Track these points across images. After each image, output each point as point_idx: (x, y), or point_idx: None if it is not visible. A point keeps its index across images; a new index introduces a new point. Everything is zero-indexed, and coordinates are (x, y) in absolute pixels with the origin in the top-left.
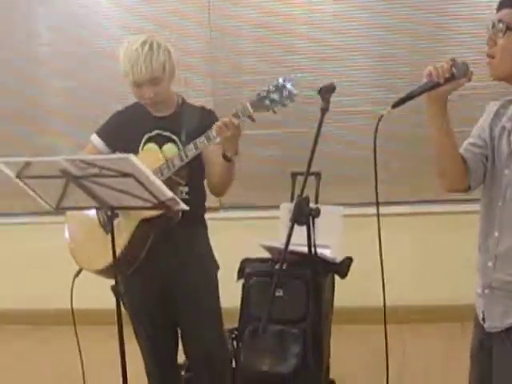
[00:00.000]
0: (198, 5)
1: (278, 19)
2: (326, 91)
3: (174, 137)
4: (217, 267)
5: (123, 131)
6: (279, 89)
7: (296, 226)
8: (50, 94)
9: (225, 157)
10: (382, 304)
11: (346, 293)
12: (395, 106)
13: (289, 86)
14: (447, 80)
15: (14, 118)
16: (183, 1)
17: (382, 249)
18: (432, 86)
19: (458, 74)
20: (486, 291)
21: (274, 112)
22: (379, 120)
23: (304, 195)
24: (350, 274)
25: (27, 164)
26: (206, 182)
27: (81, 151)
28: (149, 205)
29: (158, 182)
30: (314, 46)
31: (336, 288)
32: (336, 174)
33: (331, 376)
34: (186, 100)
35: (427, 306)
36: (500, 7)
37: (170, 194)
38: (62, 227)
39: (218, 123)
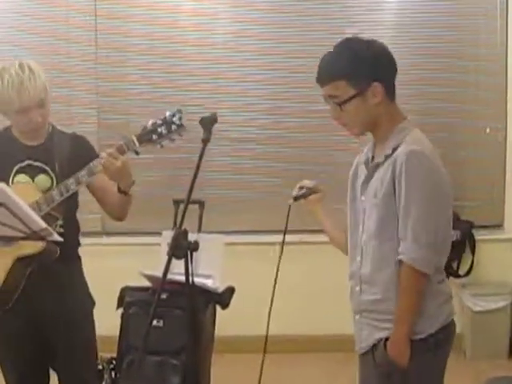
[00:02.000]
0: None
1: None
2: (208, 122)
3: (47, 167)
4: (92, 303)
5: None
6: (167, 123)
7: None
8: None
9: (120, 190)
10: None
11: (229, 322)
12: (296, 199)
13: (177, 120)
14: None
15: None
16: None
17: (277, 277)
18: (306, 192)
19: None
20: (357, 317)
21: (161, 146)
22: (289, 210)
23: (186, 223)
24: (232, 302)
25: None
26: (99, 209)
27: None
28: (21, 235)
29: (31, 212)
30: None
31: (221, 316)
32: (222, 202)
33: None
34: (56, 126)
35: (311, 335)
36: (321, 83)
37: (43, 224)
38: None
39: (103, 156)
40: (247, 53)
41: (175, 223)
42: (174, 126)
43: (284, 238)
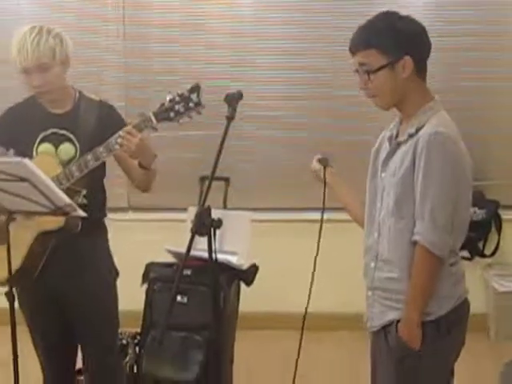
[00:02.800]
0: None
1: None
2: (233, 99)
3: (71, 135)
4: (116, 273)
5: (15, 130)
6: (184, 99)
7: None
8: None
9: (141, 166)
10: (286, 310)
11: (252, 299)
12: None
13: (194, 97)
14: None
15: None
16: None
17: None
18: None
19: (325, 163)
20: (369, 293)
21: (179, 123)
22: (324, 173)
23: (212, 200)
24: (257, 279)
25: None
26: (125, 184)
27: None
28: (46, 210)
29: (55, 188)
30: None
31: (244, 293)
32: (247, 179)
33: (235, 382)
34: (84, 93)
35: (338, 313)
36: (353, 51)
37: (67, 199)
38: None
39: (121, 135)
40: (269, 40)
41: (201, 200)
42: (191, 104)
43: (324, 206)
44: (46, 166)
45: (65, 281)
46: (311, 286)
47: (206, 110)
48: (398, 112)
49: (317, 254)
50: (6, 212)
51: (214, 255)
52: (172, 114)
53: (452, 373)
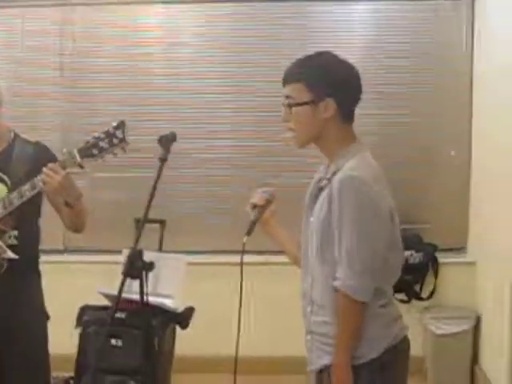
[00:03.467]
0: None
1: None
2: (166, 140)
3: (4, 176)
4: (46, 317)
5: None
6: (109, 136)
7: None
8: None
9: (67, 204)
10: (227, 353)
11: (192, 342)
12: (249, 232)
13: (119, 133)
14: (267, 202)
15: None
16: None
17: (241, 298)
18: (259, 211)
19: (269, 196)
20: (308, 337)
21: (104, 160)
22: (243, 247)
23: (149, 242)
24: (195, 323)
25: None
26: (60, 225)
27: None
28: None
29: None
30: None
31: (179, 336)
32: (184, 222)
33: None
34: (18, 134)
35: (275, 357)
36: (284, 83)
37: None
38: None
39: (44, 171)
40: (208, 79)
41: (136, 242)
42: (115, 140)
43: (242, 276)
44: None
45: None
46: (239, 330)
47: (143, 151)
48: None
49: (240, 298)
50: None
51: (145, 298)
52: (95, 151)
53: None
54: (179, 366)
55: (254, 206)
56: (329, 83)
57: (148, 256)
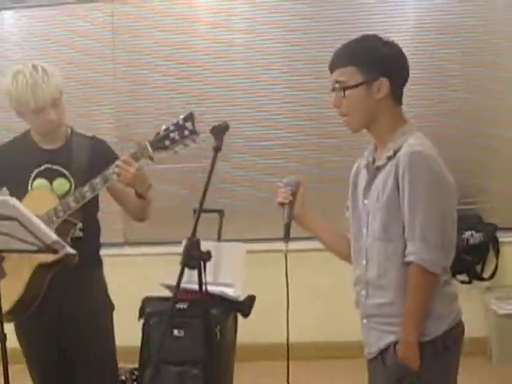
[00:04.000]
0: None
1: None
2: (219, 130)
3: (65, 171)
4: (111, 307)
5: (7, 165)
6: (179, 128)
7: None
8: None
9: (137, 195)
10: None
11: (251, 330)
12: (287, 238)
13: (189, 125)
14: (293, 196)
15: None
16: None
17: (288, 286)
18: (290, 208)
19: (293, 188)
20: (364, 321)
21: (176, 152)
22: (286, 256)
23: (208, 232)
24: (255, 310)
25: None
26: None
27: None
28: (34, 248)
29: (42, 225)
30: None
31: (241, 325)
32: (242, 210)
33: None
34: (75, 130)
35: (329, 342)
36: (332, 68)
37: (54, 237)
38: None
39: (118, 164)
40: (260, 63)
41: (193, 232)
42: (186, 132)
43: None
44: (42, 199)
45: (64, 310)
46: (288, 316)
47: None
48: (373, 138)
49: (287, 286)
50: None
51: (204, 287)
52: (167, 143)
53: None
54: (242, 355)
55: (282, 204)
56: (380, 63)
57: (206, 245)
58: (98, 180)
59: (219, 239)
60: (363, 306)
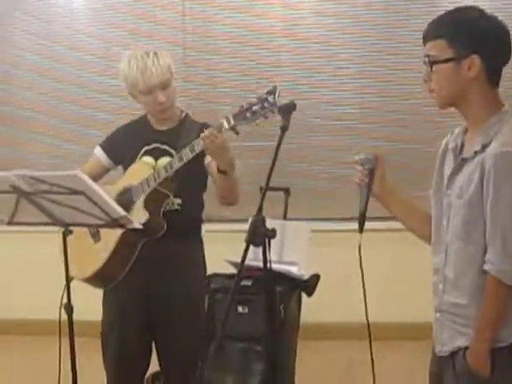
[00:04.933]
0: (171, 25)
1: (255, 33)
2: (286, 109)
3: (172, 150)
4: (203, 282)
5: (124, 144)
6: (262, 101)
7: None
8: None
9: (219, 170)
10: (348, 320)
11: (313, 308)
12: (361, 229)
13: (271, 98)
14: (371, 175)
15: None
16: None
17: (362, 265)
18: (368, 190)
19: (371, 165)
20: (438, 315)
21: (256, 124)
22: (359, 247)
23: (274, 211)
24: (318, 289)
25: None
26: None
27: (84, 163)
28: (101, 222)
29: (110, 200)
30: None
31: (305, 303)
32: (308, 189)
33: None
34: (189, 115)
35: (397, 323)
36: (424, 41)
37: (122, 212)
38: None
39: (202, 134)
40: (334, 46)
41: (258, 210)
42: (266, 104)
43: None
44: (138, 170)
45: (152, 283)
46: (365, 295)
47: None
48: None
49: (361, 265)
50: (63, 224)
51: (268, 265)
52: (248, 114)
53: None
54: (305, 334)
55: (358, 184)
56: (472, 38)
57: (271, 224)
58: (186, 150)
59: (285, 218)
60: (439, 299)
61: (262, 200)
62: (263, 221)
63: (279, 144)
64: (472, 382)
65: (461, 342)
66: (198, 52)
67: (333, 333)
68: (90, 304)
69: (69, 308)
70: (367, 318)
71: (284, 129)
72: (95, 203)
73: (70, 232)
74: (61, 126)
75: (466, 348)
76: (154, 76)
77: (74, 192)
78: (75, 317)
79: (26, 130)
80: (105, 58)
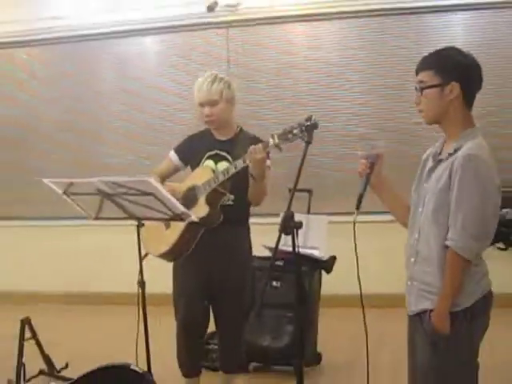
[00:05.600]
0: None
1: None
2: (311, 127)
3: (228, 156)
4: (251, 262)
5: (192, 149)
6: (300, 126)
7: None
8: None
9: (252, 176)
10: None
11: (331, 282)
12: (357, 207)
13: (308, 123)
14: (371, 168)
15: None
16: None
17: (356, 249)
18: (367, 179)
19: (373, 160)
20: (409, 283)
21: (292, 142)
22: (354, 224)
23: (300, 207)
24: (334, 268)
25: (71, 184)
26: None
27: (159, 164)
28: (166, 217)
29: (173, 199)
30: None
31: (325, 279)
32: (326, 190)
33: (318, 349)
34: (244, 129)
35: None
36: (417, 71)
37: (182, 208)
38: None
39: (250, 148)
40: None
41: (288, 207)
42: (304, 128)
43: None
44: (203, 174)
45: (212, 261)
46: (358, 272)
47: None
48: (443, 132)
49: (356, 249)
50: (136, 219)
51: (296, 249)
52: (290, 136)
53: (477, 353)
54: (325, 303)
55: (361, 175)
56: (454, 69)
57: (298, 217)
58: (239, 160)
59: (308, 212)
60: (411, 270)
61: (291, 199)
62: (292, 215)
63: (305, 154)
64: (436, 337)
65: (427, 305)
66: (240, 78)
67: (346, 302)
68: (159, 280)
69: (142, 283)
70: (360, 289)
71: (308, 143)
72: (162, 202)
73: (142, 225)
74: (134, 145)
75: (431, 310)
76: (203, 94)
77: (146, 194)
78: (148, 290)
79: (105, 144)
80: (169, 92)
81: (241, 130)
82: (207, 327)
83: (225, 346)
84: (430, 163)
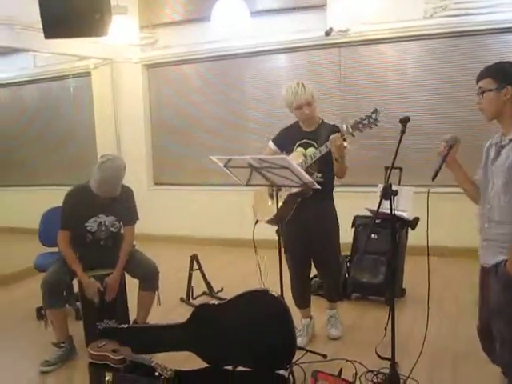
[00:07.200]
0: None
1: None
2: (404, 121)
3: (314, 143)
4: (337, 224)
5: (286, 138)
6: (369, 117)
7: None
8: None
9: (335, 158)
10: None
11: (415, 236)
12: (433, 178)
13: (374, 116)
14: (449, 150)
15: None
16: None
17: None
18: (443, 158)
19: (452, 143)
20: (484, 243)
21: (362, 131)
22: (428, 191)
23: (388, 182)
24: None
25: (229, 160)
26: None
27: (262, 151)
28: (296, 184)
29: (302, 171)
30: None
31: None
32: (413, 168)
33: (403, 286)
34: (324, 120)
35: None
36: (478, 79)
37: (309, 178)
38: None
39: (331, 137)
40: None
41: (386, 180)
42: (371, 119)
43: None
44: (296, 157)
45: (309, 220)
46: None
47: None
48: (500, 126)
49: (427, 203)
50: (276, 185)
51: (393, 211)
52: (360, 126)
53: None
54: (410, 251)
55: (440, 154)
56: (507, 76)
57: (394, 187)
58: (322, 147)
59: (399, 184)
60: (485, 233)
61: (389, 174)
62: (390, 185)
63: (400, 142)
64: (509, 281)
65: (502, 257)
66: (349, 87)
67: (424, 251)
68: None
69: (278, 232)
70: (427, 241)
71: (402, 132)
72: (294, 173)
73: (280, 189)
74: (248, 137)
75: (506, 261)
76: (302, 98)
77: (283, 167)
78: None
79: (248, 132)
80: None
81: (322, 121)
82: (309, 271)
83: (326, 283)
84: (492, 150)
